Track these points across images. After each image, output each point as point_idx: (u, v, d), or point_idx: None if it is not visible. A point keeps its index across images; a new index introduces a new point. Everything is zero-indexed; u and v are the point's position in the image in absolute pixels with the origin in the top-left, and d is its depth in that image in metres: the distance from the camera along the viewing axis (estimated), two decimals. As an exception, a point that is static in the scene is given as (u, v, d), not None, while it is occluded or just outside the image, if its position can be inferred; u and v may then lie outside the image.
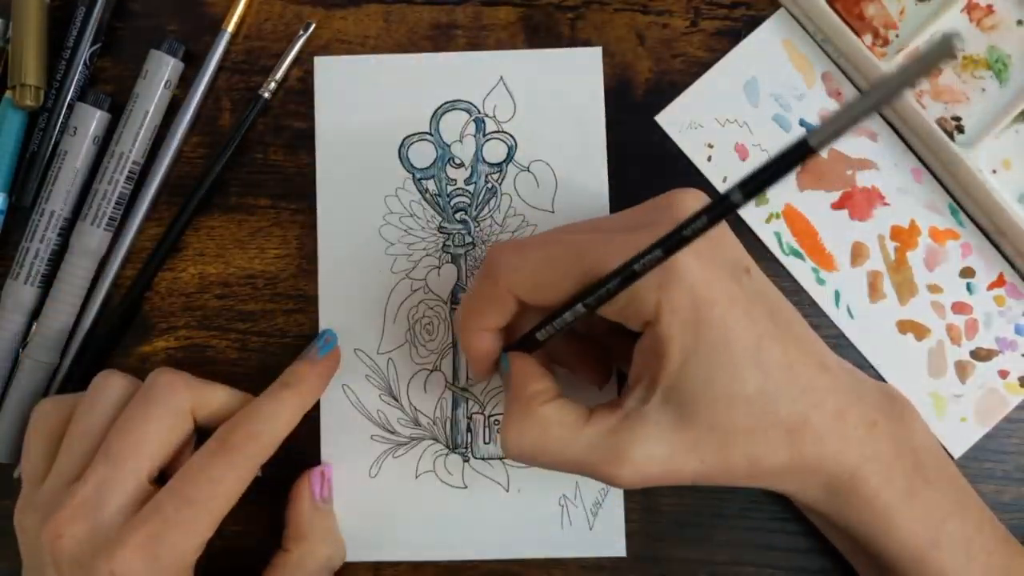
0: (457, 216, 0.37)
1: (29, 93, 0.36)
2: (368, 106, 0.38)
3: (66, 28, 0.37)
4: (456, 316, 0.33)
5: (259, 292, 0.38)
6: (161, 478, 0.32)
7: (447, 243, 0.37)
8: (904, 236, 0.37)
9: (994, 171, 0.37)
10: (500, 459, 0.36)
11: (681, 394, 0.28)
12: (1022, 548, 0.33)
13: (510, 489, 0.36)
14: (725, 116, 0.38)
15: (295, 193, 0.38)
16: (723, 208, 0.24)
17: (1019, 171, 0.37)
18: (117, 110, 0.37)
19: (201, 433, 0.34)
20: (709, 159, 0.37)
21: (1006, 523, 0.35)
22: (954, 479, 0.33)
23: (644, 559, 0.36)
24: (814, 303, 0.37)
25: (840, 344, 0.37)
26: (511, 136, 0.37)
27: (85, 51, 0.37)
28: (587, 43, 0.38)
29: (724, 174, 0.37)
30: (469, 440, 0.37)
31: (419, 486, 0.36)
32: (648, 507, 0.36)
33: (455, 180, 0.37)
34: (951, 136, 0.36)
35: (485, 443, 0.37)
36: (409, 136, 0.38)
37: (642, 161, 0.37)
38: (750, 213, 0.37)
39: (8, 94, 0.37)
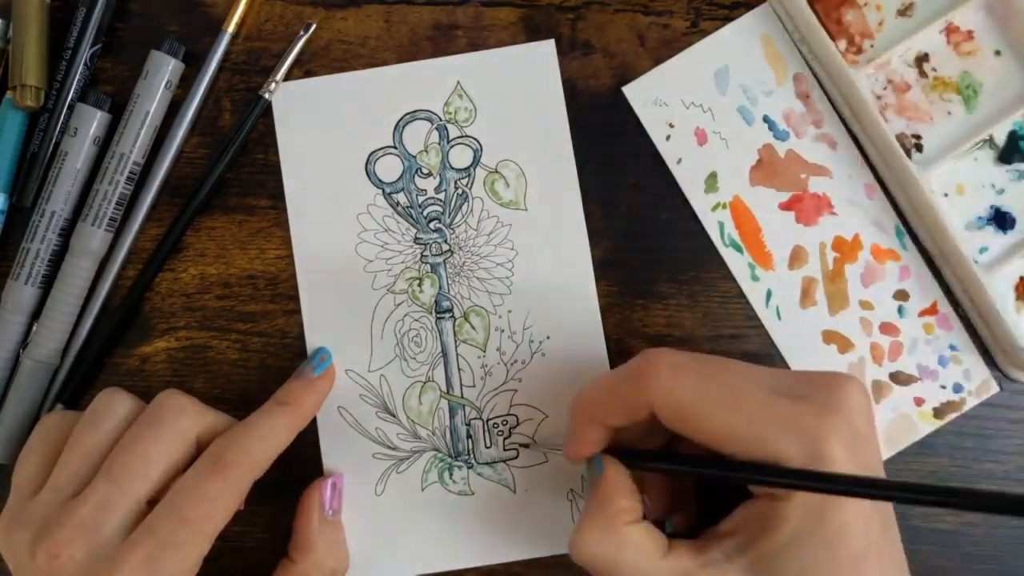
0: (431, 225, 0.37)
1: (30, 94, 0.36)
2: (329, 127, 0.38)
3: (66, 29, 0.37)
4: (576, 398, 0.32)
5: (259, 293, 0.38)
6: (152, 500, 0.32)
7: (424, 254, 0.37)
8: (846, 248, 0.37)
9: (946, 194, 0.37)
10: (504, 462, 0.36)
11: (770, 570, 0.28)
12: None
13: (517, 490, 0.36)
14: (691, 99, 0.38)
15: (295, 194, 0.38)
16: (893, 494, 0.26)
17: (971, 198, 0.37)
18: (118, 110, 0.37)
19: None
20: (668, 138, 0.37)
21: (1006, 524, 0.35)
22: None
23: (644, 560, 0.36)
24: (744, 299, 0.37)
25: (762, 345, 0.37)
26: (475, 139, 0.38)
27: (85, 52, 0.37)
28: (587, 44, 0.38)
29: (679, 155, 0.37)
30: (471, 446, 0.37)
31: (426, 498, 0.36)
32: (648, 508, 0.36)
33: (425, 190, 0.37)
34: (908, 153, 0.36)
35: (487, 447, 0.37)
36: (374, 152, 0.38)
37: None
38: (698, 199, 0.37)
39: (9, 94, 0.37)
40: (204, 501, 0.31)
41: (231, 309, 0.38)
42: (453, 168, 0.38)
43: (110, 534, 0.30)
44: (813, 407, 0.28)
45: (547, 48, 0.38)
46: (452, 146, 0.38)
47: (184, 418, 0.33)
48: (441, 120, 0.38)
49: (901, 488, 0.26)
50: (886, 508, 0.30)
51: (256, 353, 0.37)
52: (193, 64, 0.37)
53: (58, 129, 0.37)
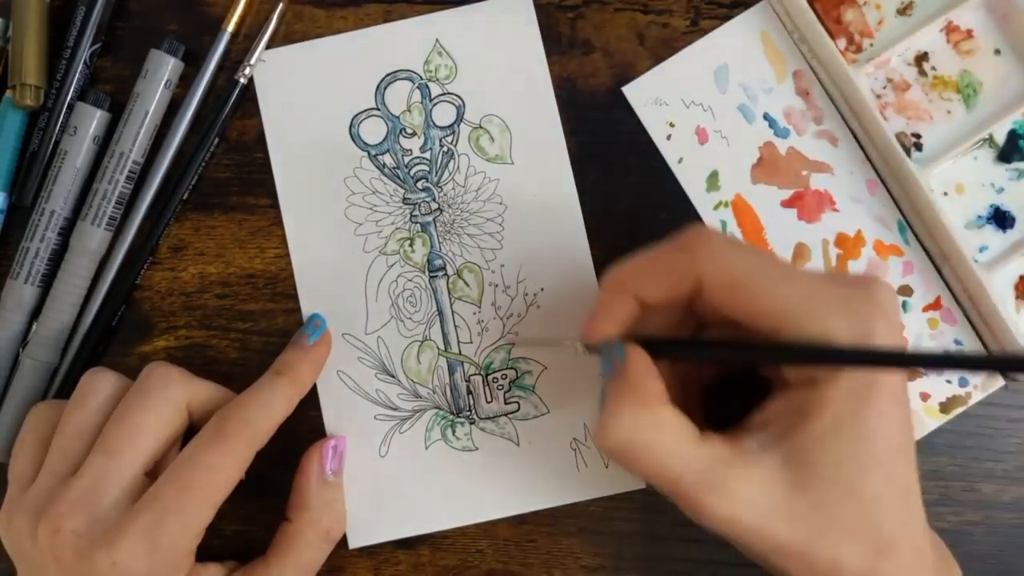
0: (419, 185, 0.37)
1: (29, 93, 0.36)
2: (311, 92, 0.38)
3: (66, 28, 0.37)
4: (612, 270, 0.30)
5: (259, 292, 0.38)
6: (152, 474, 0.32)
7: (414, 213, 0.37)
8: (848, 244, 0.37)
9: (945, 193, 0.37)
10: (506, 415, 0.37)
11: (807, 462, 0.27)
12: None
13: (520, 443, 0.37)
14: (691, 98, 0.38)
15: (295, 193, 0.38)
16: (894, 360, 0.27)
17: (971, 197, 0.37)
18: (117, 110, 0.37)
19: (188, 430, 0.34)
20: (668, 137, 0.37)
21: (1006, 523, 0.35)
22: None
23: (644, 559, 0.36)
24: None
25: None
26: (458, 96, 0.38)
27: (85, 51, 0.37)
28: (587, 42, 0.38)
29: (680, 155, 0.37)
30: (471, 402, 0.37)
31: (430, 456, 0.37)
32: (648, 506, 0.36)
33: (410, 150, 0.38)
34: (908, 152, 0.36)
35: (488, 402, 0.37)
36: (357, 115, 0.38)
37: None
38: (700, 198, 0.37)
39: (8, 94, 0.37)
40: (206, 470, 0.31)
41: (231, 308, 0.38)
42: (437, 126, 0.38)
43: (110, 505, 0.30)
44: (860, 291, 0.28)
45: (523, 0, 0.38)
46: (435, 104, 0.38)
47: (172, 387, 0.33)
48: (422, 79, 0.38)
49: (953, 357, 0.27)
50: (908, 407, 0.29)
51: (256, 352, 0.37)
52: (193, 63, 0.38)
53: (58, 128, 0.37)
